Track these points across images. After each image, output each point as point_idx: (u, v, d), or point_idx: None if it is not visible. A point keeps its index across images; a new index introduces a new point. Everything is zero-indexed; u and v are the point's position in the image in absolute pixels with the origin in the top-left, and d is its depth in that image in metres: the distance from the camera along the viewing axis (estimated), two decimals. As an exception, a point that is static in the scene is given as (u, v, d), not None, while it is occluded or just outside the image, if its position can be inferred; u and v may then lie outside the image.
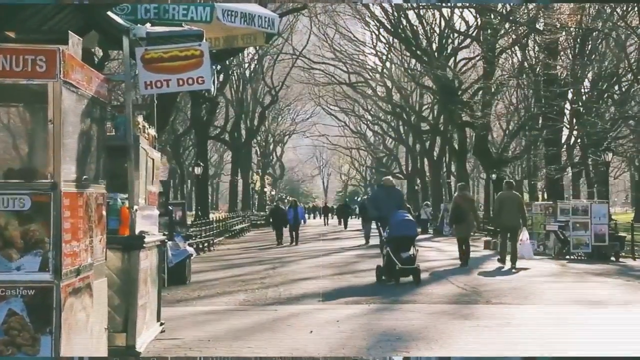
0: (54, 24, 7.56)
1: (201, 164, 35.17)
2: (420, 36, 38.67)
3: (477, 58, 39.32)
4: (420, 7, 37.55)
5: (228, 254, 23.06)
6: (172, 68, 6.71)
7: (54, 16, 7.51)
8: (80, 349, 5.19)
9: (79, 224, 5.20)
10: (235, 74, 49.70)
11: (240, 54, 42.47)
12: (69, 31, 5.44)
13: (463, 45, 40.36)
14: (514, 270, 15.80)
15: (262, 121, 56.10)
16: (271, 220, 30.22)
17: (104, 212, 5.87)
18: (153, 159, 8.01)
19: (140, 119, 7.71)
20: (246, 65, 52.16)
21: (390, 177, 16.87)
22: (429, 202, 40.20)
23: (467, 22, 39.83)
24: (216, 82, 7.97)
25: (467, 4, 35.53)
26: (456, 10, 39.27)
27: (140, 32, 6.77)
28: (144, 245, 6.82)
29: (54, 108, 4.82)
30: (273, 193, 73.03)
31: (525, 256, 18.17)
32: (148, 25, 7.04)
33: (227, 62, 37.93)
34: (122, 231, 6.82)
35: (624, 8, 26.57)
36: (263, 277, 14.70)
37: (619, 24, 25.33)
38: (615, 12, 25.91)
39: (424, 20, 39.03)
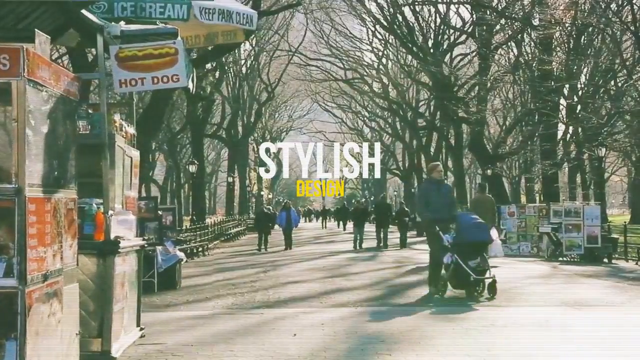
0: (29, 23, 7.39)
1: (196, 162, 34.94)
2: (416, 32, 38.45)
3: (473, 54, 39.15)
4: (416, 3, 37.36)
5: (221, 257, 22.72)
6: (147, 66, 6.59)
7: (29, 15, 7.33)
8: (48, 355, 5.08)
9: (46, 230, 5.06)
10: (231, 71, 49.45)
11: (236, 51, 42.21)
12: (36, 29, 5.30)
13: (459, 41, 40.14)
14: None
15: (259, 118, 55.85)
16: (255, 225, 28.98)
17: (75, 217, 5.72)
18: (131, 157, 7.85)
19: (117, 117, 7.57)
20: (242, 62, 51.89)
21: (439, 166, 13.08)
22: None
23: (462, 18, 39.68)
24: (194, 80, 7.76)
25: (463, 0, 35.35)
26: (452, 7, 39.11)
27: (115, 30, 6.66)
28: (119, 250, 6.71)
29: (17, 107, 4.70)
30: (270, 196, 72.55)
31: (497, 255, 18.18)
32: (122, 23, 6.90)
33: (223, 60, 37.66)
34: (97, 236, 6.72)
35: (619, 3, 26.36)
36: (253, 281, 14.56)
37: (613, 19, 25.12)
38: (609, 8, 25.70)
39: (419, 17, 38.82)
